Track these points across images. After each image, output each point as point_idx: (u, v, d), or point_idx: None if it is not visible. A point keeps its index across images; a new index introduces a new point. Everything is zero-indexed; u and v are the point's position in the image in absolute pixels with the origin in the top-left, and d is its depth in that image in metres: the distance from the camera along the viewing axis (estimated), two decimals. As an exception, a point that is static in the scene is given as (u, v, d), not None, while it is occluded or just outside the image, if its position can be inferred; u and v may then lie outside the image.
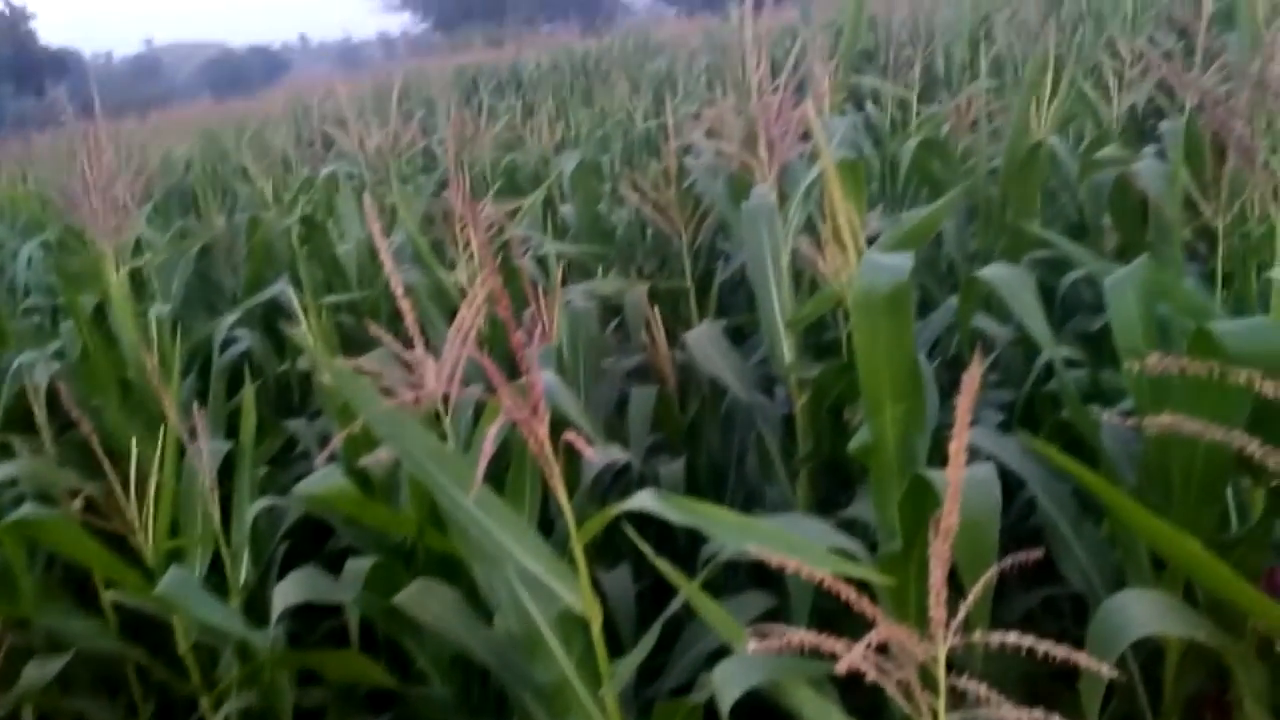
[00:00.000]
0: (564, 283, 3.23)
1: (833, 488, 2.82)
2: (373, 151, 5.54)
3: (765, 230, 2.81)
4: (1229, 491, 2.00)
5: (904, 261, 1.94)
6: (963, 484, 1.41)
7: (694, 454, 3.24)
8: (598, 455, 2.38)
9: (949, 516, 1.19)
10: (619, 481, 2.94)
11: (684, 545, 2.54)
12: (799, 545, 1.52)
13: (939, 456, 2.49)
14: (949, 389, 2.88)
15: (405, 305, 2.10)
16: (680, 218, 3.77)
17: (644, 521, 1.66)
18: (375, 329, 2.29)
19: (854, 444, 2.13)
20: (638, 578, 2.65)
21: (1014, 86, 3.85)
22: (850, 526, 2.25)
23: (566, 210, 4.61)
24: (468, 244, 3.25)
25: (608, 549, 2.70)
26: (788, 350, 2.77)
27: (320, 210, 4.87)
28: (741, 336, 3.54)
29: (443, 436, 2.17)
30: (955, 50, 6.88)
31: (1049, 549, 2.14)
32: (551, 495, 1.75)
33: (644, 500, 1.63)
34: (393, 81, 11.91)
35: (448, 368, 2.12)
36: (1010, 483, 2.13)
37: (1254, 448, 1.26)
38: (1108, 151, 3.36)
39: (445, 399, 2.15)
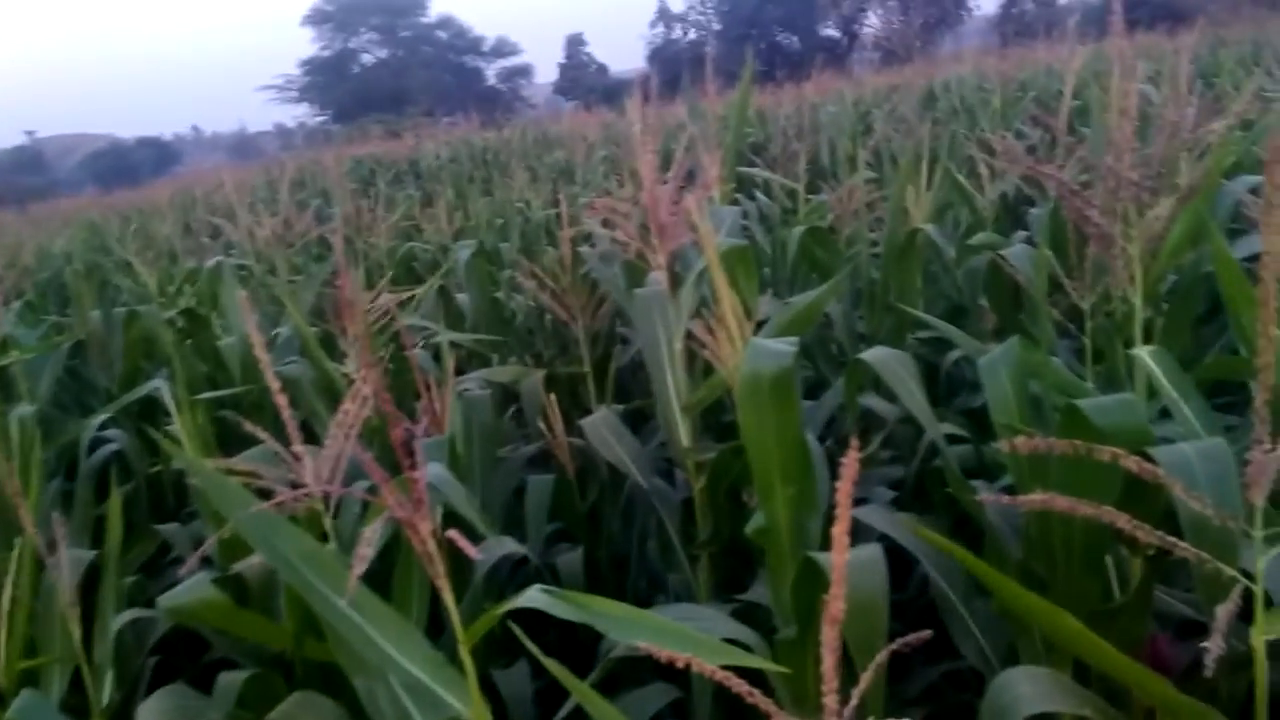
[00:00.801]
0: (460, 372, 3.26)
1: (736, 571, 2.81)
2: (262, 242, 5.54)
3: (658, 316, 2.85)
4: (1110, 562, 2.06)
5: (788, 347, 2.01)
6: (849, 567, 1.46)
7: (595, 542, 3.25)
8: (490, 549, 2.42)
9: (834, 602, 1.16)
10: (519, 573, 2.93)
11: (586, 637, 2.52)
12: (691, 638, 1.53)
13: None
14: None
15: (280, 400, 2.01)
16: (577, 304, 3.80)
17: (546, 615, 1.65)
18: (250, 425, 2.19)
19: (750, 527, 2.18)
20: (537, 675, 2.59)
21: (893, 177, 3.96)
22: (752, 611, 2.31)
23: (463, 299, 4.60)
24: (358, 337, 3.23)
25: (505, 646, 2.66)
26: (684, 434, 2.79)
27: (205, 303, 4.85)
28: (643, 420, 3.57)
29: (325, 538, 2.09)
30: (839, 143, 7.05)
31: (944, 624, 2.20)
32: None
33: (532, 597, 1.60)
34: (286, 171, 11.97)
35: (328, 465, 2.04)
36: (909, 557, 2.20)
37: (1123, 522, 1.31)
38: (981, 237, 3.46)
39: (328, 498, 2.06)
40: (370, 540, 1.61)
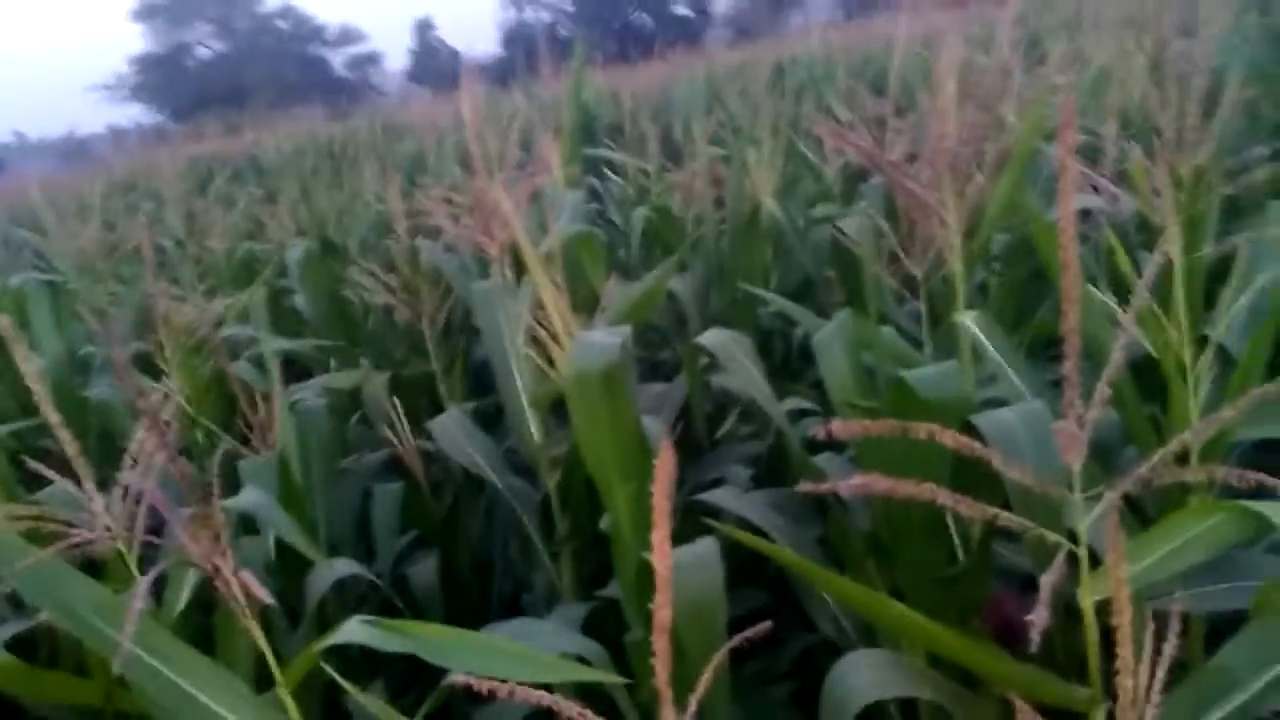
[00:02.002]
0: (301, 380, 3.25)
1: (601, 565, 2.79)
2: (79, 253, 5.43)
3: (499, 309, 2.87)
4: (952, 524, 2.10)
5: (614, 340, 2.02)
6: (683, 566, 1.49)
7: (452, 547, 3.24)
8: (321, 575, 2.40)
9: (660, 610, 1.16)
10: (375, 589, 2.86)
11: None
12: (527, 658, 1.54)
13: (687, 530, 2.61)
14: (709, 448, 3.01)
15: (64, 434, 1.85)
16: (423, 301, 3.79)
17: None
18: (35, 463, 2.06)
19: (603, 523, 2.21)
20: (396, 694, 2.59)
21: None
22: (614, 608, 2.34)
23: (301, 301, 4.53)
24: (175, 352, 3.23)
25: (364, 665, 2.60)
26: (535, 429, 2.79)
27: (13, 323, 4.66)
28: (500, 417, 3.48)
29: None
30: (691, 121, 7.13)
31: (801, 601, 2.24)
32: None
33: (352, 630, 1.58)
34: (96, 178, 11.78)
35: (121, 504, 1.90)
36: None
37: (943, 498, 1.34)
38: (822, 209, 3.52)
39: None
40: (142, 591, 1.51)
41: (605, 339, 2.03)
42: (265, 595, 1.53)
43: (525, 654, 1.56)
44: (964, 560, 2.07)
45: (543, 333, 2.55)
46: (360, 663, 2.58)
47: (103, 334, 1.87)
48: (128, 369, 1.66)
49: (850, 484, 1.34)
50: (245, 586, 1.54)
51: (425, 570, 3.00)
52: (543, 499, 2.88)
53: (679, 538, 1.98)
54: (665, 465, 1.15)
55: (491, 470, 2.90)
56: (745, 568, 2.47)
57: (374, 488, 3.16)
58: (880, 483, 1.34)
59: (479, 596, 3.20)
